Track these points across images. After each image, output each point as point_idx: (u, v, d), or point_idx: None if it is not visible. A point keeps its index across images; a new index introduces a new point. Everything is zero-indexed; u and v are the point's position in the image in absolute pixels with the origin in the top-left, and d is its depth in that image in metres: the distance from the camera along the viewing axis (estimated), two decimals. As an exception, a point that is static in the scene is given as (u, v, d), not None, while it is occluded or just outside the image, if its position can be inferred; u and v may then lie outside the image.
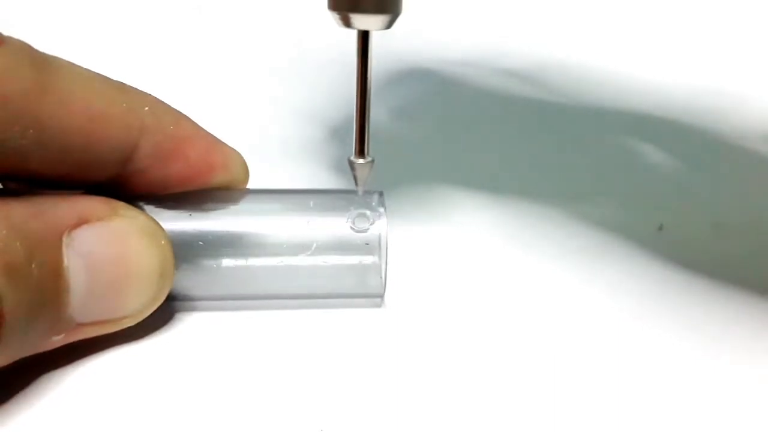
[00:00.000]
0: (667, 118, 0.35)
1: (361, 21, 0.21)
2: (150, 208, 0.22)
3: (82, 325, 0.20)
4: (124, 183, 0.21)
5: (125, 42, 0.44)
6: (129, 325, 0.21)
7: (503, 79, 0.39)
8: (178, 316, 0.23)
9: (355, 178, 0.23)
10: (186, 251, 0.22)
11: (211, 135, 0.23)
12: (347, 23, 0.21)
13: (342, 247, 0.22)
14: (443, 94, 0.38)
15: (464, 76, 0.39)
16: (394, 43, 0.38)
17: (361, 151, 0.23)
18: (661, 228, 0.28)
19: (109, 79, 0.21)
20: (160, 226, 0.21)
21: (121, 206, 0.20)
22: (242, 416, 0.20)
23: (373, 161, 0.23)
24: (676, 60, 0.42)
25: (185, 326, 0.23)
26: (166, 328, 0.23)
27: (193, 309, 0.23)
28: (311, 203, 0.23)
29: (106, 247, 0.20)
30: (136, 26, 0.47)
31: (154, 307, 0.21)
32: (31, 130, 0.18)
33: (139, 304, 0.21)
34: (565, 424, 0.20)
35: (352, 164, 0.23)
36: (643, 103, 0.37)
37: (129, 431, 0.19)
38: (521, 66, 0.40)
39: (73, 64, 0.20)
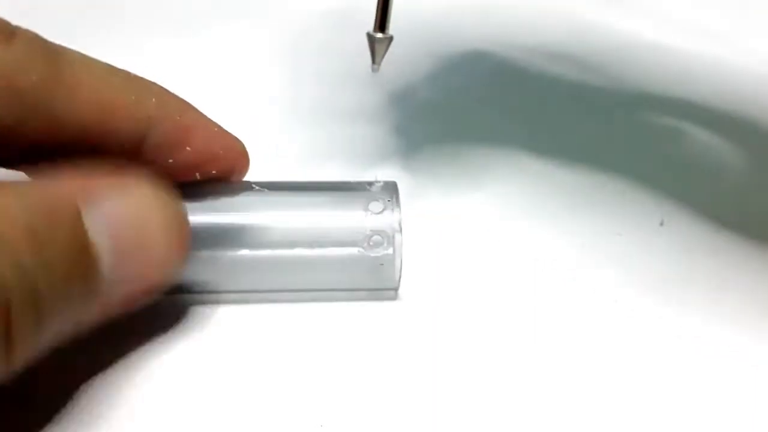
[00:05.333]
0: (673, 113, 0.35)
1: None
2: None
3: (115, 296, 0.20)
4: None
5: (125, 35, 0.41)
6: (162, 282, 0.21)
7: (563, 66, 0.37)
8: (189, 308, 0.23)
9: (372, 52, 0.24)
10: (198, 243, 0.22)
11: (215, 123, 0.23)
12: None
13: (356, 239, 0.22)
14: (494, 77, 0.37)
15: (517, 60, 0.38)
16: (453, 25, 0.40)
17: (381, 26, 0.23)
18: (662, 224, 0.28)
19: (116, 68, 0.21)
20: (170, 190, 0.21)
21: (132, 173, 0.21)
22: (255, 410, 0.20)
23: (392, 38, 0.24)
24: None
25: (197, 319, 0.23)
26: (177, 320, 0.23)
27: (206, 302, 0.23)
28: (325, 195, 0.23)
29: (126, 212, 0.20)
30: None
31: (182, 261, 0.21)
32: (45, 122, 0.19)
33: (166, 262, 0.21)
34: (573, 414, 0.20)
35: (371, 38, 0.23)
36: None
37: (133, 424, 0.20)
38: (585, 51, 0.39)
39: (82, 55, 0.20)
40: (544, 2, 0.43)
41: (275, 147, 0.30)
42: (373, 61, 0.24)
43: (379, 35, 0.23)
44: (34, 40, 0.19)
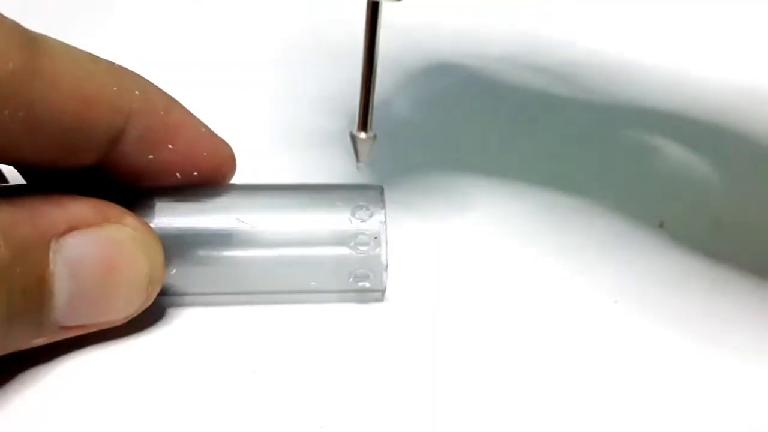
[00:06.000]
0: (674, 114, 0.35)
1: (371, -9, 0.20)
2: (153, 202, 0.22)
3: (65, 327, 0.20)
4: (109, 168, 0.21)
5: (123, 26, 0.43)
6: (113, 326, 0.21)
7: (529, 76, 0.38)
8: (174, 311, 0.23)
9: (356, 152, 0.23)
10: (182, 246, 0.22)
11: (201, 123, 0.22)
12: (357, -8, 0.21)
13: (342, 241, 0.22)
14: (463, 88, 0.38)
15: (489, 71, 0.38)
16: (417, 37, 0.39)
17: (363, 126, 0.22)
18: (661, 225, 0.28)
19: (99, 58, 0.20)
20: (152, 231, 0.21)
21: (112, 212, 0.20)
22: (243, 413, 0.20)
23: (375, 137, 0.22)
24: (687, 52, 0.42)
25: (183, 322, 0.23)
26: (161, 324, 0.22)
27: (192, 304, 0.23)
28: (311, 198, 0.23)
29: (94, 255, 0.20)
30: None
31: (140, 311, 0.21)
32: (21, 113, 0.18)
33: (126, 310, 0.21)
34: (564, 417, 0.20)
35: (354, 138, 0.22)
36: (653, 98, 0.37)
37: (125, 429, 0.19)
38: (550, 62, 0.40)
39: (63, 44, 0.19)
40: (524, 17, 0.43)
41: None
42: (358, 160, 0.23)
43: (362, 135, 0.22)
44: (12, 28, 0.18)
